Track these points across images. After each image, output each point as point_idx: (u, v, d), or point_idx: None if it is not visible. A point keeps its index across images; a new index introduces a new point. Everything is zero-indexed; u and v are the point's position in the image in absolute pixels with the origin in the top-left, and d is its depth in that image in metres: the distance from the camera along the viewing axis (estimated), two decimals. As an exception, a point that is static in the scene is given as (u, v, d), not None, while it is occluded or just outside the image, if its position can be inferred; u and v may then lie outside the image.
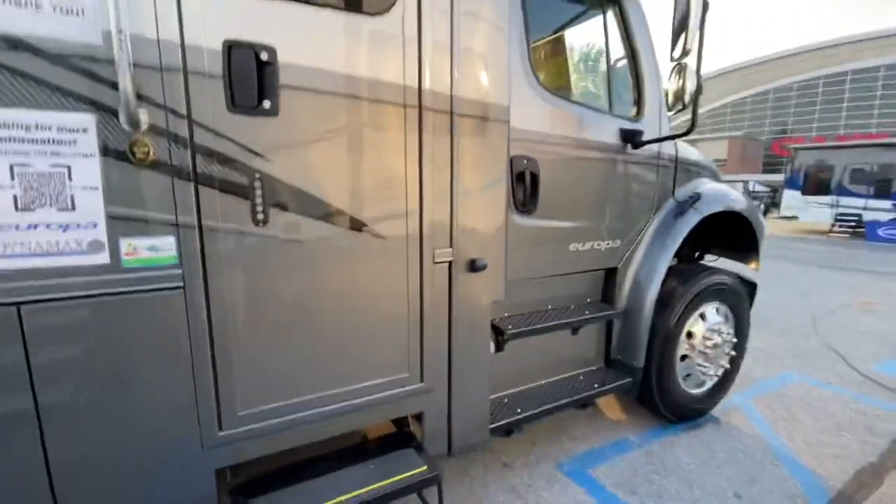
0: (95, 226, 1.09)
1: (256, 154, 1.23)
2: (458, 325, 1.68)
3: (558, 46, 2.46)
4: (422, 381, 1.64)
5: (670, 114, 2.13)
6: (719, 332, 2.69)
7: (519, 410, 2.07)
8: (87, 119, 1.05)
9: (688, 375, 2.68)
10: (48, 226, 1.05)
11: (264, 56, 1.20)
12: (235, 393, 1.32)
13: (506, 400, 2.15)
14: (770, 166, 43.10)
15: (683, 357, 2.63)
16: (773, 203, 24.06)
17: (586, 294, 2.48)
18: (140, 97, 1.07)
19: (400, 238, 1.50)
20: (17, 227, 1.03)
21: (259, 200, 1.25)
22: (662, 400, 2.58)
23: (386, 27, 1.35)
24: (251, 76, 1.18)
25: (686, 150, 2.74)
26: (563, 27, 2.47)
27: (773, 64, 48.05)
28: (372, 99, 1.37)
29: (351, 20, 1.31)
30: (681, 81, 1.92)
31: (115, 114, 1.06)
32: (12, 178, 1.01)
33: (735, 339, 2.80)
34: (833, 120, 42.48)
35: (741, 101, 49.60)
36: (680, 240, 2.47)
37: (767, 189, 30.27)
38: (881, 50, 39.97)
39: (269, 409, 1.38)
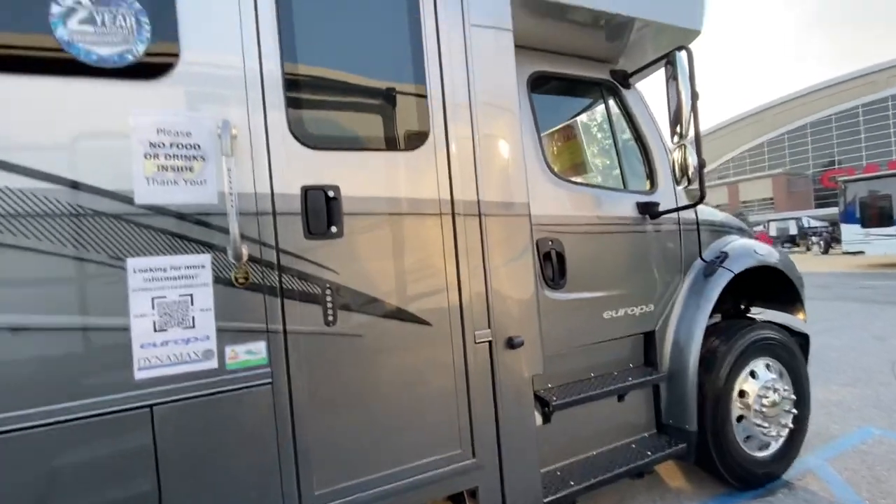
0: (208, 338, 1.39)
1: (327, 268, 1.53)
2: (502, 401, 1.83)
3: (570, 135, 2.78)
4: (473, 456, 1.77)
5: (680, 187, 2.32)
6: (774, 390, 2.63)
7: (571, 483, 2.11)
8: (205, 258, 1.39)
9: (748, 437, 2.61)
10: (175, 342, 1.36)
11: (331, 193, 1.54)
12: (312, 474, 1.52)
13: (558, 472, 2.20)
14: (823, 200, 41.07)
15: (740, 418, 2.58)
16: (833, 238, 22.62)
17: (628, 359, 2.55)
18: (242, 236, 1.41)
19: (444, 324, 1.72)
20: (154, 345, 1.34)
21: (329, 305, 1.53)
22: (724, 464, 2.50)
23: (422, 158, 1.69)
24: (322, 210, 1.52)
25: (707, 212, 2.88)
26: (572, 117, 2.80)
27: (805, 99, 47.53)
28: (414, 213, 1.67)
29: (395, 157, 1.65)
30: (683, 160, 2.14)
31: (224, 251, 1.40)
32: (153, 307, 1.34)
33: (794, 396, 2.72)
34: (882, 146, 40.62)
35: (778, 139, 48.72)
36: (714, 298, 2.54)
37: (825, 224, 28.62)
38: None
39: (340, 488, 1.55)
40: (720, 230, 2.92)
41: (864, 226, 15.51)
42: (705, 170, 2.19)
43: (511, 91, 1.88)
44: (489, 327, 1.80)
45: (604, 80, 2.54)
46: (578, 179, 2.53)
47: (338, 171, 1.56)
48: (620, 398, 2.42)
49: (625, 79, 2.57)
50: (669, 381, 2.51)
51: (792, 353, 2.80)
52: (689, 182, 2.14)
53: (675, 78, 2.10)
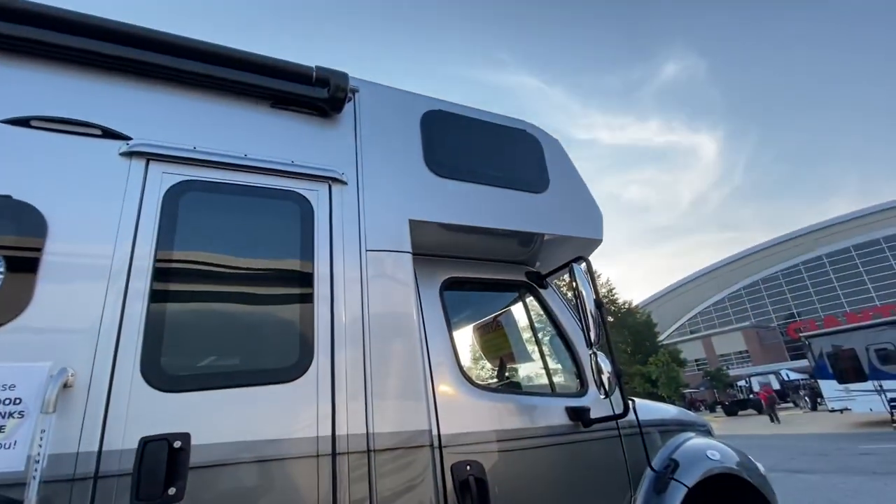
0: None
1: (152, 548, 1.22)
2: None
3: (491, 335, 2.74)
4: None
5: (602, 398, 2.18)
6: None
7: None
8: (-19, 550, 1.09)
9: None
10: None
11: (177, 444, 1.32)
12: None
13: None
14: (797, 351, 41.81)
15: None
16: (815, 393, 22.13)
17: None
18: (44, 513, 1.14)
19: None
20: None
21: None
22: None
23: (300, 390, 1.53)
24: (160, 466, 1.28)
25: (651, 409, 2.69)
26: (493, 317, 2.80)
27: (748, 259, 52.33)
28: (284, 457, 1.44)
29: (266, 392, 1.50)
30: (597, 368, 2.04)
31: (13, 536, 1.11)
32: None
33: None
34: (833, 299, 43.43)
35: (736, 294, 51.78)
36: (671, 523, 2.18)
37: (805, 376, 28.32)
38: (846, 234, 44.23)
39: None
40: (671, 429, 2.69)
41: (840, 381, 15.34)
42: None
43: (410, 311, 1.86)
44: None
45: (520, 281, 2.62)
46: (501, 384, 2.38)
47: (192, 415, 1.38)
48: None
49: (540, 279, 2.66)
50: None
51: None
52: (607, 393, 2.01)
53: (577, 287, 2.16)
